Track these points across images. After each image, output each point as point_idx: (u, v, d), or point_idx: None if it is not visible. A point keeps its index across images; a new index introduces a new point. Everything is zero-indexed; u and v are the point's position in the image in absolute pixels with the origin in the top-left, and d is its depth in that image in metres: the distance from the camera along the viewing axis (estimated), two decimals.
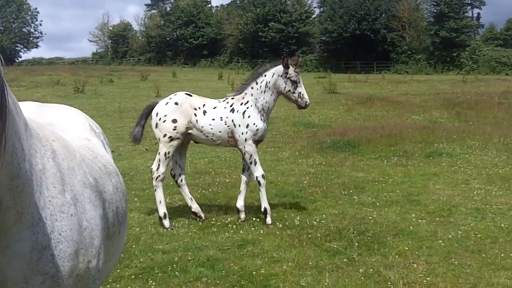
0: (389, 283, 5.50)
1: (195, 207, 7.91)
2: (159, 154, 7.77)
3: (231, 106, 7.67)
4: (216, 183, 10.25)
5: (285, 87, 7.53)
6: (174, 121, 7.60)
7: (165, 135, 7.63)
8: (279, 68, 7.56)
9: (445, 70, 63.46)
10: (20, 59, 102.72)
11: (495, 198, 8.88)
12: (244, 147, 7.54)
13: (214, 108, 7.70)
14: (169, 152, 7.68)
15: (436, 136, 15.04)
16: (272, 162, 12.30)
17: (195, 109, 7.68)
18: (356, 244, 6.65)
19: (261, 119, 7.59)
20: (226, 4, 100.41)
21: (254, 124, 7.52)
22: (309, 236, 6.98)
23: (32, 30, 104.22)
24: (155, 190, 7.80)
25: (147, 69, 57.84)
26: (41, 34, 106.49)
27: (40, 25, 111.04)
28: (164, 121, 7.63)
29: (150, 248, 6.63)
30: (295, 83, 7.50)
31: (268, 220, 7.56)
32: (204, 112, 7.65)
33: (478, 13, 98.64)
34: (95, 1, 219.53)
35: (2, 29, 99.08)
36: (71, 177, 2.18)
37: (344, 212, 8.12)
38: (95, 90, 31.86)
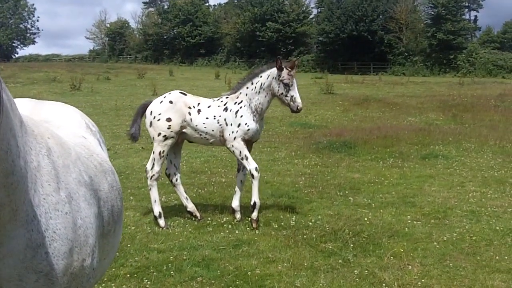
0: (384, 284, 5.50)
1: (190, 206, 7.90)
2: (153, 153, 7.76)
3: (224, 105, 7.66)
4: (212, 183, 10.24)
5: (278, 89, 7.43)
6: (169, 119, 7.59)
7: (159, 134, 7.62)
8: (274, 70, 7.49)
9: (442, 72, 63.61)
10: (16, 56, 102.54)
11: (490, 200, 8.90)
12: (233, 145, 7.51)
13: (208, 107, 7.69)
14: (163, 151, 7.66)
15: (432, 138, 15.08)
16: (268, 162, 12.30)
17: (190, 108, 7.67)
18: (351, 245, 6.65)
19: (253, 120, 7.54)
20: (224, 3, 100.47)
21: (246, 124, 7.48)
22: (305, 236, 6.98)
23: (29, 26, 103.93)
24: (150, 189, 7.79)
25: (144, 67, 57.78)
26: (38, 30, 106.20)
27: (37, 21, 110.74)
28: (159, 119, 7.62)
29: (145, 247, 6.61)
30: (287, 86, 7.36)
31: (254, 215, 7.49)
32: (199, 111, 7.64)
33: (475, 16, 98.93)
34: None
35: None
36: (66, 175, 2.16)
37: (340, 213, 8.12)
38: (91, 88, 31.79)
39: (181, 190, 8.01)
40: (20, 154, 1.86)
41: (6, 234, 1.85)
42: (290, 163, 12.34)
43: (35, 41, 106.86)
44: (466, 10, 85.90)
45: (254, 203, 7.53)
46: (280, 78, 7.37)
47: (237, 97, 7.66)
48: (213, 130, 7.58)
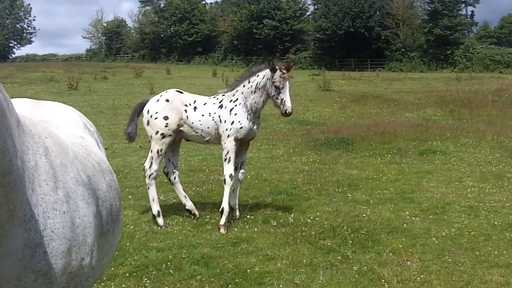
0: (383, 280, 5.51)
1: (189, 204, 7.91)
2: (151, 151, 7.77)
3: (220, 102, 7.63)
4: (210, 181, 10.24)
5: (270, 91, 7.28)
6: (166, 118, 7.60)
7: (157, 132, 7.62)
8: (268, 71, 7.34)
9: (439, 68, 63.64)
10: (13, 56, 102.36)
11: (488, 195, 8.91)
12: (224, 143, 7.48)
13: (204, 104, 7.68)
14: (161, 149, 7.67)
15: (430, 134, 15.09)
16: (266, 160, 12.30)
17: (186, 105, 7.67)
18: (350, 241, 6.65)
19: (247, 118, 7.45)
20: (221, 0, 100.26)
21: (239, 122, 7.40)
22: (303, 233, 6.99)
23: (25, 26, 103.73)
24: (148, 188, 7.79)
25: (141, 66, 57.77)
26: (35, 30, 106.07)
27: (34, 20, 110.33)
28: (156, 118, 7.63)
29: (144, 246, 6.62)
30: (278, 89, 7.15)
31: (222, 220, 7.33)
32: (195, 108, 7.64)
33: (472, 11, 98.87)
34: None
35: None
36: (64, 174, 2.16)
37: (338, 209, 8.13)
38: (89, 87, 31.76)
39: (179, 188, 8.01)
40: (17, 153, 1.86)
41: (4, 233, 1.85)
42: (288, 160, 12.34)
43: (31, 41, 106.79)
44: (463, 5, 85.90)
45: (223, 208, 7.42)
46: (272, 80, 7.21)
47: (233, 95, 7.62)
48: (208, 128, 7.57)
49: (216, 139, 7.63)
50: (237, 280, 5.56)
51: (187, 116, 7.61)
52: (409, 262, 5.99)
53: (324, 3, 74.51)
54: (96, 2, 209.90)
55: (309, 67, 67.15)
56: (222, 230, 7.21)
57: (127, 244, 6.63)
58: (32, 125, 2.15)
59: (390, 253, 6.26)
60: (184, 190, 8.11)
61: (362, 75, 45.11)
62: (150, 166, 7.74)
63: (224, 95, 7.75)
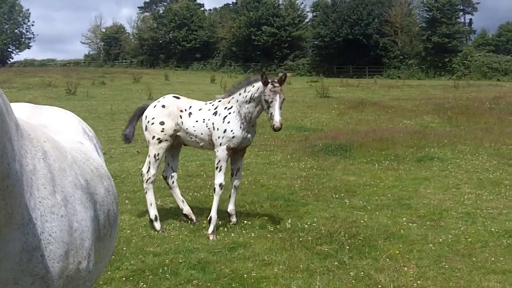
0: (379, 286, 5.51)
1: (186, 209, 7.92)
2: (149, 156, 7.82)
3: (215, 109, 7.59)
4: (208, 186, 10.23)
5: (262, 104, 7.20)
6: (162, 123, 7.64)
7: (153, 137, 7.68)
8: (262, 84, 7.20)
9: (437, 75, 63.77)
10: (12, 61, 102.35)
11: (485, 202, 8.93)
12: (217, 151, 7.45)
13: (199, 110, 7.67)
14: (158, 154, 7.70)
15: (428, 140, 15.12)
16: (263, 165, 12.31)
17: (181, 111, 7.70)
18: (347, 247, 6.66)
19: (240, 127, 7.35)
20: (219, 7, 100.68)
21: (231, 130, 7.33)
22: (300, 239, 6.99)
23: (24, 31, 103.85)
24: (146, 192, 7.80)
25: (140, 71, 57.77)
26: (33, 35, 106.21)
27: (32, 25, 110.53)
28: (153, 123, 7.69)
29: (141, 250, 6.62)
30: (267, 103, 7.04)
31: (210, 229, 7.29)
32: (190, 114, 7.65)
33: (470, 19, 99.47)
34: (88, 3, 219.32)
35: None
36: (62, 178, 2.17)
37: (335, 215, 8.13)
38: (87, 92, 31.77)
39: (177, 192, 8.04)
40: (15, 157, 1.87)
41: (2, 237, 1.85)
42: (285, 166, 12.35)
43: (30, 46, 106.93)
44: (461, 13, 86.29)
45: (211, 217, 7.38)
46: (263, 93, 7.09)
47: (229, 102, 7.55)
48: (202, 134, 7.55)
49: (210, 145, 7.60)
50: (233, 285, 5.56)
51: (182, 122, 7.64)
52: (406, 268, 6.00)
53: (323, 10, 74.74)
54: (95, 8, 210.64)
55: (307, 74, 67.26)
56: (211, 238, 7.18)
57: (124, 248, 6.63)
58: (31, 129, 2.16)
59: (387, 259, 6.27)
60: (181, 195, 8.12)
61: (360, 82, 45.17)
62: (148, 171, 7.78)
63: (220, 101, 7.73)
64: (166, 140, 7.68)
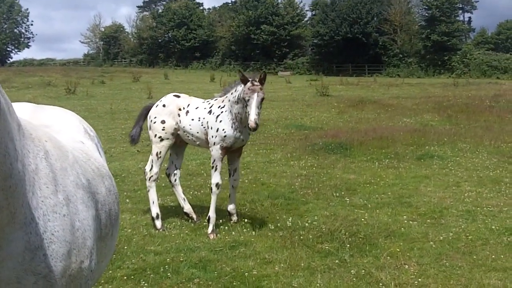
0: (380, 284, 5.52)
1: (187, 207, 7.94)
2: (151, 154, 7.89)
3: (210, 107, 7.58)
4: (208, 185, 10.19)
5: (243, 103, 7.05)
6: (163, 122, 7.73)
7: (155, 135, 7.78)
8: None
9: (437, 74, 63.83)
10: (11, 60, 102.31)
11: (485, 200, 8.93)
12: (212, 150, 7.43)
13: (196, 108, 7.67)
14: (160, 152, 7.75)
15: (428, 138, 15.12)
16: (264, 164, 12.31)
17: (180, 109, 7.74)
18: (348, 245, 6.66)
19: (232, 127, 7.26)
20: (218, 6, 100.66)
21: (223, 130, 7.27)
22: (301, 237, 6.99)
23: (23, 30, 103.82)
24: (148, 190, 7.84)
25: (139, 70, 57.78)
26: (32, 34, 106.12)
27: (31, 25, 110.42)
28: (155, 122, 7.79)
29: (142, 249, 6.62)
30: (244, 101, 6.88)
31: (210, 229, 7.28)
32: (187, 112, 7.68)
33: (470, 17, 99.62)
34: (86, 2, 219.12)
35: None
36: (64, 177, 2.17)
37: (336, 213, 8.14)
38: (86, 92, 31.78)
39: (179, 190, 8.06)
40: (18, 157, 1.87)
41: (4, 237, 1.86)
42: (286, 164, 12.35)
43: (29, 46, 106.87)
44: (460, 11, 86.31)
45: (209, 217, 7.36)
46: (242, 92, 6.97)
47: (222, 101, 7.50)
48: (197, 132, 7.55)
49: (206, 144, 7.59)
50: (235, 284, 5.56)
51: (180, 120, 7.68)
52: (406, 266, 6.00)
53: (322, 9, 74.75)
54: (93, 7, 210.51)
55: (307, 73, 67.34)
56: (212, 237, 7.17)
57: (125, 247, 6.63)
58: (33, 129, 2.16)
59: (388, 257, 6.27)
60: (183, 193, 8.14)
61: (360, 81, 45.19)
62: (151, 169, 7.85)
63: (216, 99, 7.71)
64: (167, 139, 7.75)
